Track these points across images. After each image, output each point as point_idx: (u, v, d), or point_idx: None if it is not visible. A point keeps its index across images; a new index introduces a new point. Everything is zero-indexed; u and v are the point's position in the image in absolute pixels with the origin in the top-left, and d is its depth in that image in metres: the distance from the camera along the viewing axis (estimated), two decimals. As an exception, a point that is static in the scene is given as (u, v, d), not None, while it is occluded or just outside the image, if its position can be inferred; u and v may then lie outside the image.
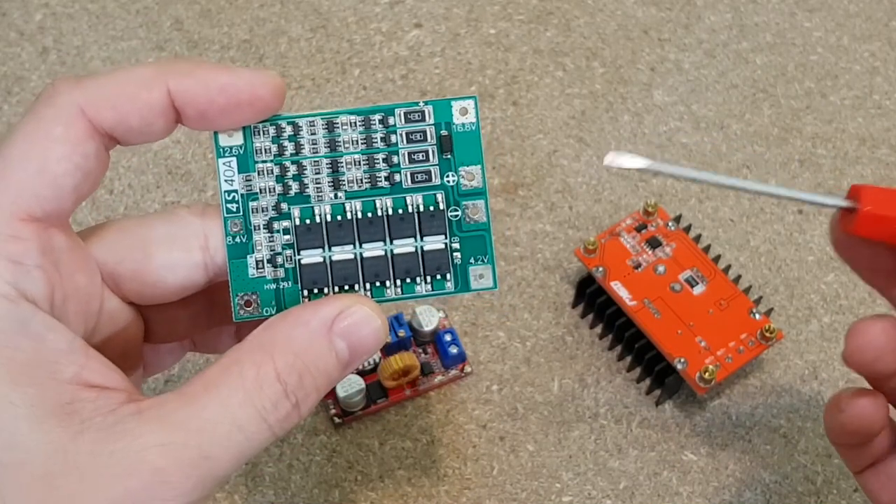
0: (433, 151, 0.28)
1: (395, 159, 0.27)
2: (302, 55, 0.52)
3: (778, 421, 0.42)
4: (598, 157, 0.49)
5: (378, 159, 0.27)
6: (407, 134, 0.27)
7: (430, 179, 0.28)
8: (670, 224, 0.43)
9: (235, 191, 0.27)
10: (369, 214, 0.27)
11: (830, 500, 0.40)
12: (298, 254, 0.27)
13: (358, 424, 0.41)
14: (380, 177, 0.27)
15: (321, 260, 0.27)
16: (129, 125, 0.25)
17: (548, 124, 0.50)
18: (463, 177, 0.28)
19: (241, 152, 0.27)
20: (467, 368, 0.42)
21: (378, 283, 0.28)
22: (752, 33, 0.54)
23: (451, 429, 0.41)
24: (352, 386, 0.40)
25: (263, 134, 0.27)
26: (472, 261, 0.28)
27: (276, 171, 0.27)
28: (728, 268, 0.43)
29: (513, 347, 0.43)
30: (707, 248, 0.43)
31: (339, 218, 0.27)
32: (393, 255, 0.27)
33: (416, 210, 0.28)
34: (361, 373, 0.41)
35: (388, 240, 0.27)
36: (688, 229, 0.43)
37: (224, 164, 0.27)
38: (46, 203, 0.24)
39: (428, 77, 0.51)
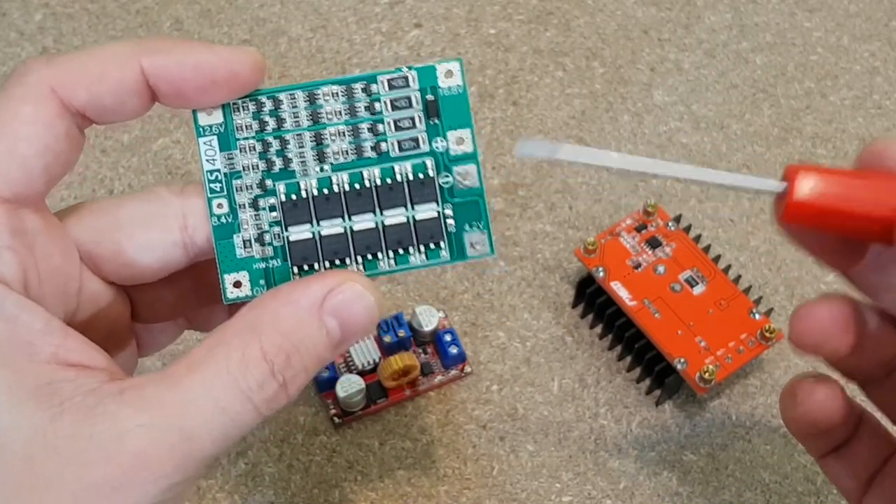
0: (420, 117, 0.27)
1: (380, 128, 0.27)
2: (302, 55, 0.52)
3: (778, 421, 0.42)
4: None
5: (363, 129, 0.27)
6: (391, 101, 0.27)
7: (417, 146, 0.27)
8: (670, 224, 0.43)
9: (218, 170, 0.27)
10: (357, 186, 0.27)
11: (830, 500, 0.40)
12: (286, 230, 0.27)
13: (358, 424, 0.41)
14: (365, 147, 0.27)
15: (310, 236, 0.27)
16: (102, 104, 0.25)
17: (548, 124, 0.50)
18: (452, 141, 0.27)
19: (222, 130, 0.27)
20: (467, 368, 0.42)
21: (370, 257, 0.27)
22: (752, 33, 0.54)
23: (450, 429, 0.41)
24: (352, 386, 0.40)
25: (243, 110, 0.27)
26: (466, 227, 0.27)
27: (259, 147, 0.27)
28: (728, 268, 0.43)
29: (513, 347, 0.43)
30: (707, 249, 0.43)
31: (325, 191, 0.27)
32: (384, 226, 0.27)
33: (405, 179, 0.27)
34: (361, 373, 0.41)
35: (378, 211, 0.27)
36: (688, 229, 0.43)
37: (205, 143, 0.27)
38: (16, 184, 0.24)
39: (428, 77, 0.51)
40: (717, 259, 0.43)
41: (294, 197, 0.27)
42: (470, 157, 0.27)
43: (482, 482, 0.40)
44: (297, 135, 0.27)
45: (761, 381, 0.43)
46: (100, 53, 0.25)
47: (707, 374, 0.39)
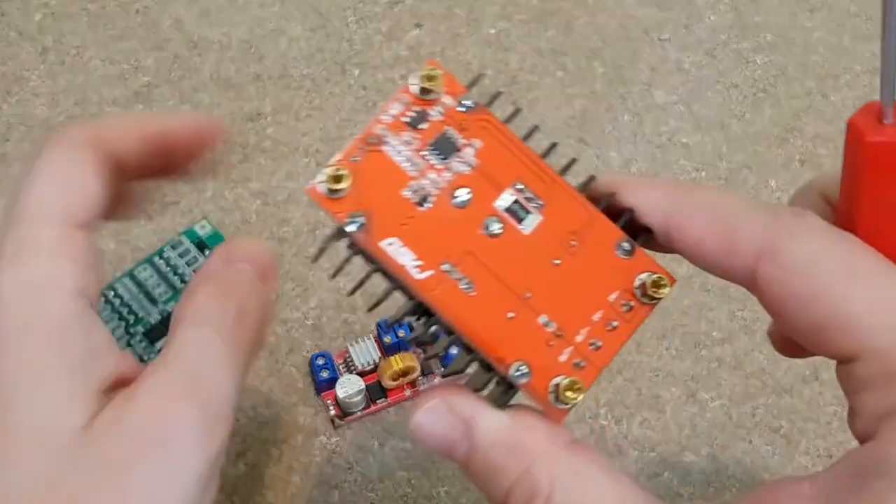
0: (196, 255, 0.43)
1: (179, 270, 0.42)
2: (302, 55, 0.52)
3: (779, 422, 0.42)
4: (598, 157, 0.49)
5: (169, 275, 0.42)
6: (178, 254, 0.43)
7: None
8: (465, 102, 0.25)
9: None
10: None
11: (831, 501, 0.40)
12: (153, 345, 0.41)
13: (358, 425, 0.41)
14: (175, 282, 0.42)
15: None
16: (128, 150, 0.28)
17: (548, 124, 0.50)
18: None
19: None
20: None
21: None
22: (752, 33, 0.54)
23: (451, 430, 0.41)
24: (351, 386, 0.40)
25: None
26: None
27: (116, 316, 0.41)
28: (571, 163, 0.26)
29: (513, 348, 0.43)
30: (545, 149, 0.27)
31: (164, 315, 0.41)
32: None
33: None
34: (361, 373, 0.41)
35: None
36: (495, 105, 0.26)
37: None
38: (86, 212, 0.27)
39: (428, 77, 0.51)
40: (549, 150, 0.27)
41: (148, 327, 0.41)
42: None
43: (482, 483, 0.40)
44: (134, 297, 0.41)
45: (762, 382, 0.42)
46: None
47: (562, 389, 0.24)
